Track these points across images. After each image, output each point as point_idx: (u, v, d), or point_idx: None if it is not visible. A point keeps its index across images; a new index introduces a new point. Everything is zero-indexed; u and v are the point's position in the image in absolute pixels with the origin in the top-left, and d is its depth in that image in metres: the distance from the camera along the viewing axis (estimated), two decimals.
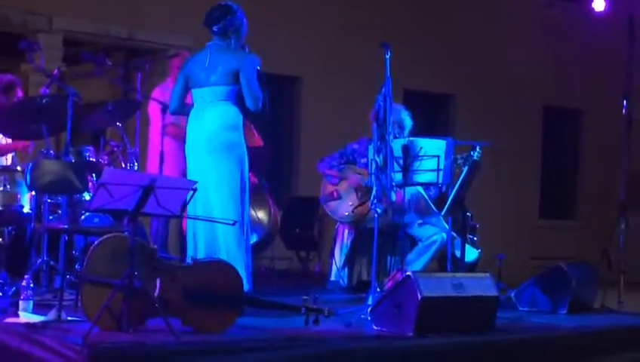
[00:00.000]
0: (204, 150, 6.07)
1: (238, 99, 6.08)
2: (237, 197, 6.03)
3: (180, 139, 7.78)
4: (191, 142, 6.15)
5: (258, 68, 6.16)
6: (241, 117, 6.13)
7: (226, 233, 5.97)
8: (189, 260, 5.75)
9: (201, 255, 5.96)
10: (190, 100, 6.29)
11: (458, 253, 6.87)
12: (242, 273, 5.60)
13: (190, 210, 5.84)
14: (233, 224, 5.78)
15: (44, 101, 6.45)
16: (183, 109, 6.30)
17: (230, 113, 6.07)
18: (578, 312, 6.67)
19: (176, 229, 7.93)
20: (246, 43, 6.27)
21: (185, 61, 6.60)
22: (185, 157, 7.78)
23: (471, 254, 7.41)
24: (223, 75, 6.05)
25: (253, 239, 8.20)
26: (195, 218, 5.77)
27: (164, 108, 7.21)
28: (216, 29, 6.15)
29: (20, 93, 7.24)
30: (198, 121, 6.12)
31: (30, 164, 6.23)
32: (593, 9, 11.21)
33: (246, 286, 5.59)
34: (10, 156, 7.18)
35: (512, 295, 6.93)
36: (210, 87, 6.08)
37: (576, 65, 14.22)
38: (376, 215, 6.03)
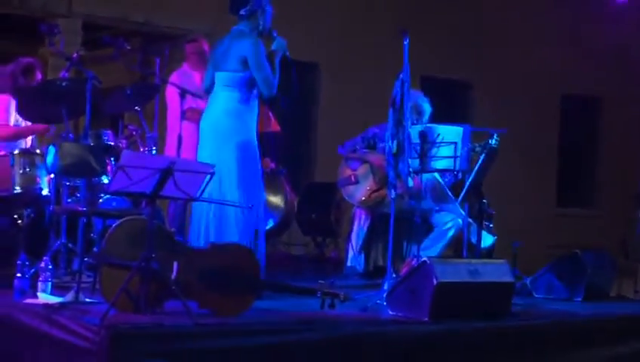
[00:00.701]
0: (209, 136, 6.13)
1: (245, 86, 6.09)
2: (234, 184, 6.00)
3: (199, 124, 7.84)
4: (201, 126, 6.25)
5: (287, 53, 6.19)
6: (249, 104, 6.12)
7: (222, 218, 5.97)
8: (204, 244, 5.78)
9: (210, 239, 5.95)
10: None
11: (474, 240, 6.87)
12: None
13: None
14: (250, 208, 5.81)
15: (63, 84, 6.49)
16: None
17: (231, 99, 6.09)
18: (594, 300, 6.67)
19: None
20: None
21: (213, 45, 6.64)
22: None
23: (487, 240, 7.41)
24: (233, 61, 6.10)
25: (270, 224, 8.23)
26: (209, 200, 5.76)
27: (183, 93, 7.23)
28: (244, 12, 6.18)
29: (39, 76, 7.28)
30: (209, 106, 6.22)
31: (50, 147, 6.28)
32: None
33: None
34: (30, 139, 7.22)
35: (528, 282, 6.94)
36: (222, 72, 6.16)
37: (595, 53, 14.15)
38: (391, 200, 6.03)
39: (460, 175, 7.09)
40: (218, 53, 6.23)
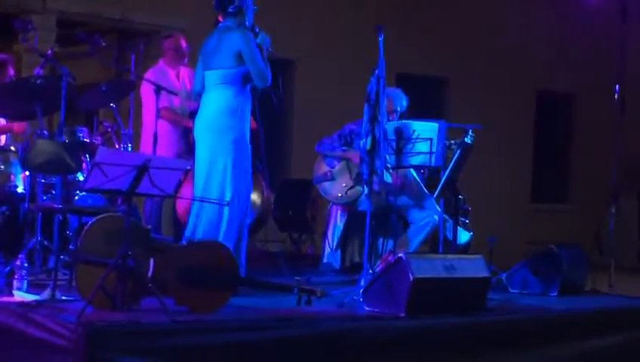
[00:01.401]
0: (204, 133, 6.12)
1: (240, 82, 6.09)
2: (228, 180, 6.02)
3: (175, 123, 7.81)
4: (196, 125, 6.22)
5: (270, 49, 6.20)
6: (240, 100, 6.11)
7: (213, 214, 6.00)
8: (184, 240, 5.78)
9: (199, 234, 5.98)
10: None
11: (450, 236, 6.90)
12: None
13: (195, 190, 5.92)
14: (226, 204, 5.82)
15: (38, 81, 6.45)
16: None
17: (226, 97, 6.08)
18: (569, 294, 6.72)
19: (170, 210, 7.94)
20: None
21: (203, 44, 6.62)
22: (178, 140, 7.83)
23: (463, 237, 7.45)
24: (226, 57, 6.07)
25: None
26: (185, 198, 5.78)
27: (158, 90, 7.21)
28: (231, 10, 6.16)
29: (11, 72, 7.23)
30: (202, 105, 6.20)
31: (24, 144, 6.24)
32: None
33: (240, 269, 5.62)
34: (3, 137, 7.18)
35: (504, 277, 6.97)
36: (214, 70, 6.12)
37: (569, 50, 14.25)
38: (364, 197, 6.04)
39: (432, 171, 7.13)
40: (207, 52, 6.20)
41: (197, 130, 6.21)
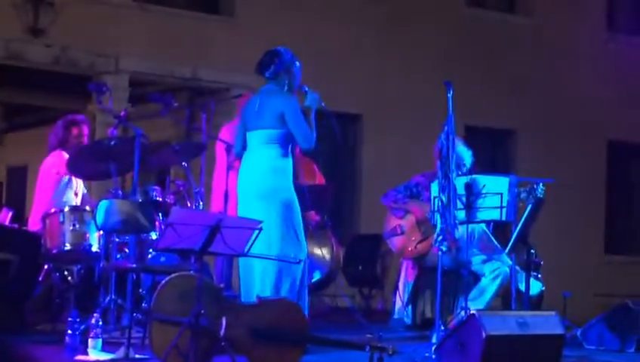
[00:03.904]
0: (253, 194, 6.06)
1: (285, 142, 6.11)
2: (292, 238, 6.02)
3: None
4: (241, 185, 6.18)
5: (322, 104, 6.21)
6: (288, 160, 6.13)
7: (284, 272, 5.98)
8: (254, 299, 5.79)
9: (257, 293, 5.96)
10: None
11: (522, 288, 6.82)
12: None
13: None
14: (298, 263, 5.83)
15: (112, 143, 6.59)
16: None
17: (274, 157, 6.07)
18: None
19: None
20: (304, 83, 6.33)
21: (244, 105, 6.68)
22: None
23: (534, 288, 7.34)
24: (270, 118, 6.09)
25: (317, 276, 8.23)
26: (255, 256, 5.78)
27: (229, 148, 7.29)
28: (268, 75, 6.22)
29: (86, 131, 7.39)
30: (247, 165, 6.17)
31: (99, 204, 6.35)
32: None
33: None
34: (80, 196, 7.33)
35: (579, 333, 6.85)
36: (258, 130, 6.12)
37: (639, 99, 14.08)
38: (440, 253, 6.02)
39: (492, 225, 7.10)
40: (249, 114, 6.20)
41: (243, 190, 6.13)
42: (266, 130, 6.09)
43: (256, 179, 6.07)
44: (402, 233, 7.54)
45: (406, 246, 7.52)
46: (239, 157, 6.36)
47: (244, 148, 6.27)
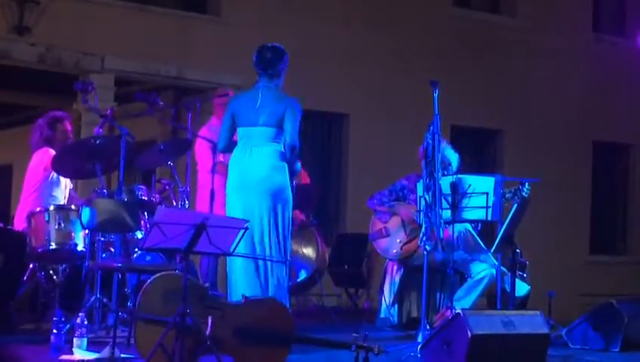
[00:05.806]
0: (255, 191, 6.05)
1: (283, 142, 6.14)
2: (286, 238, 6.05)
3: None
4: (236, 181, 6.14)
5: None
6: (286, 158, 6.16)
7: (273, 271, 6.00)
8: (240, 298, 5.79)
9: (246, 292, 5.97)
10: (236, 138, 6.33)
11: (508, 288, 6.84)
12: None
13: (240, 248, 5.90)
14: (284, 262, 5.83)
15: (97, 142, 6.58)
16: (232, 147, 6.33)
17: (279, 156, 6.10)
18: (631, 350, 6.59)
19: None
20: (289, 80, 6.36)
21: (230, 99, 6.65)
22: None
23: (521, 290, 7.36)
24: (272, 117, 6.08)
25: (303, 276, 8.23)
26: (242, 255, 5.79)
27: (214, 147, 7.28)
28: (271, 72, 6.20)
29: (68, 128, 7.37)
30: (245, 161, 6.13)
31: (84, 203, 6.34)
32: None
33: None
34: (66, 195, 7.31)
35: (563, 332, 6.87)
36: (259, 127, 6.11)
37: (624, 99, 14.13)
38: (425, 252, 6.03)
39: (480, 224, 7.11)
40: (245, 109, 6.16)
41: (240, 187, 6.10)
42: (269, 128, 6.08)
43: (262, 178, 6.04)
44: (387, 235, 7.55)
45: (392, 247, 7.52)
46: (225, 151, 6.34)
47: (231, 143, 6.25)
